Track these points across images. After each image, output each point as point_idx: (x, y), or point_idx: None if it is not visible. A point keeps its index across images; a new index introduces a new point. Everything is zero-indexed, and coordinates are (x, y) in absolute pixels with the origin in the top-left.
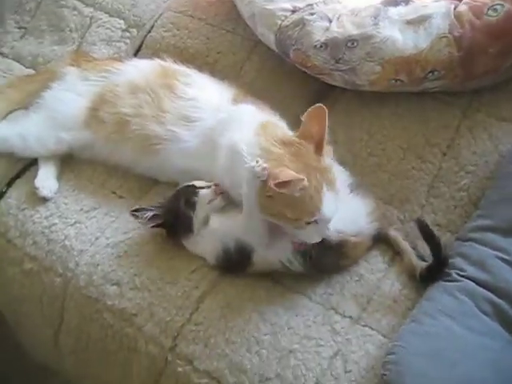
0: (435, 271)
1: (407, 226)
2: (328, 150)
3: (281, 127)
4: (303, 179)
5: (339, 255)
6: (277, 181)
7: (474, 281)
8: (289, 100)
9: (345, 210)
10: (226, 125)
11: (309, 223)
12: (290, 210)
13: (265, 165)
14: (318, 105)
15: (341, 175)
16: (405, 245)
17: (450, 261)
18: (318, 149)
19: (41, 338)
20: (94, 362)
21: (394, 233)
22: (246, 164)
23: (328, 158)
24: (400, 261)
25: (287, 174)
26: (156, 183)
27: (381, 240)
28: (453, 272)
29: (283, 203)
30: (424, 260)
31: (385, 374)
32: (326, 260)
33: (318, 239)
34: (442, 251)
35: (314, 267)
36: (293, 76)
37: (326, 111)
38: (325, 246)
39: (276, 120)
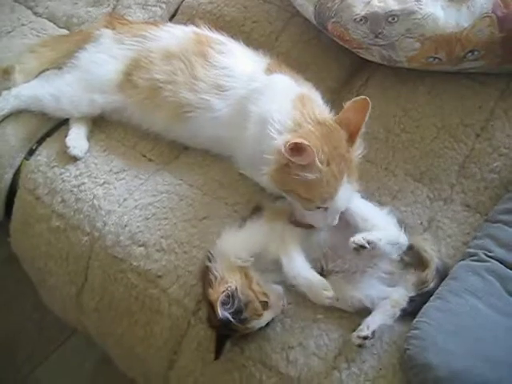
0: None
1: (436, 204)
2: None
3: (317, 103)
4: (314, 151)
5: None
6: (289, 143)
7: (501, 262)
8: (323, 73)
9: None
10: (258, 94)
11: (319, 207)
12: (304, 189)
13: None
14: (363, 97)
15: None
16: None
17: (478, 241)
18: (351, 139)
19: (63, 296)
20: (116, 321)
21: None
22: (272, 133)
23: (357, 151)
24: None
25: (302, 140)
26: (186, 149)
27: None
28: (480, 252)
29: (299, 180)
30: None
31: (408, 349)
32: None
33: (322, 226)
34: None
35: None
36: (328, 49)
37: (370, 105)
38: None
39: (311, 91)
